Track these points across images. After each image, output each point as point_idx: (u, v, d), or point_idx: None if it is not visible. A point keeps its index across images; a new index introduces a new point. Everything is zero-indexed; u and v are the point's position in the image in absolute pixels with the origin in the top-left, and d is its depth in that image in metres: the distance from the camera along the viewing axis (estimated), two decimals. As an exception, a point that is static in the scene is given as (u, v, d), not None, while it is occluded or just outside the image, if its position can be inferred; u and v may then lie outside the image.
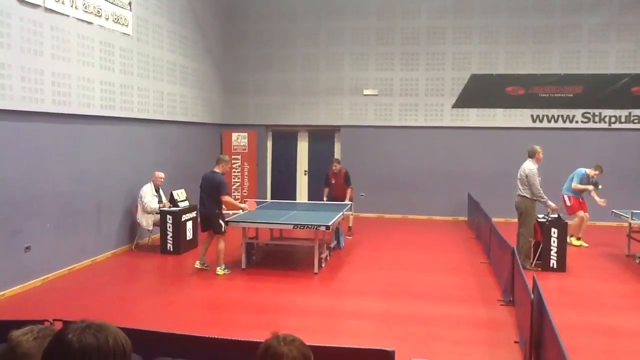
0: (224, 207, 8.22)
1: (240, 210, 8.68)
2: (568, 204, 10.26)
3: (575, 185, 10.19)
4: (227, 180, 8.42)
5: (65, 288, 7.28)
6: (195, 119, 12.34)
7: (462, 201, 12.90)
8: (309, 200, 13.52)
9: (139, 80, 9.77)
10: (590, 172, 10.20)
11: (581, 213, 10.18)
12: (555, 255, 8.32)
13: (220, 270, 7.97)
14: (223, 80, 13.91)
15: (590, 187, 10.16)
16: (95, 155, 8.55)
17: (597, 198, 10.18)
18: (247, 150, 13.84)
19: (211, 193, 8.02)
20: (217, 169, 8.14)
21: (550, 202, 8.48)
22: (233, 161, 13.73)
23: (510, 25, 12.95)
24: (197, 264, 8.25)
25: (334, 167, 10.91)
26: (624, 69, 12.54)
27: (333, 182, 10.94)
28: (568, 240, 10.11)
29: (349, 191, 10.87)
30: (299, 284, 7.62)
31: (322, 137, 14.23)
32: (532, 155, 8.60)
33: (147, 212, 9.36)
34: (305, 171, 14.38)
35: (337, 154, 14.00)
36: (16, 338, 1.89)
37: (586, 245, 10.15)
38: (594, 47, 12.65)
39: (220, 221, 8.05)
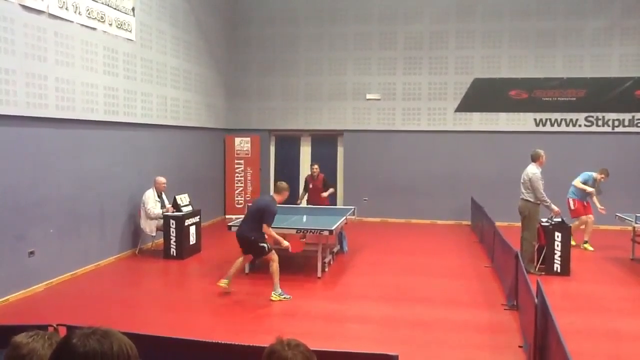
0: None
1: (279, 245, 7.49)
2: (572, 207, 10.27)
3: (576, 182, 10.20)
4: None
5: (69, 293, 7.29)
6: (199, 124, 12.36)
7: (466, 205, 12.87)
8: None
9: (143, 86, 9.80)
10: (596, 175, 10.20)
11: (584, 217, 10.19)
12: (559, 259, 8.28)
13: (275, 296, 6.98)
14: (226, 85, 13.94)
15: (589, 189, 10.13)
16: (98, 160, 8.57)
17: (598, 205, 10.19)
18: (250, 155, 13.86)
19: (255, 216, 7.19)
20: (275, 196, 7.42)
21: (553, 206, 8.45)
22: (236, 166, 13.76)
23: (513, 29, 12.95)
24: (223, 283, 7.17)
25: (313, 170, 10.74)
26: (627, 73, 12.52)
27: (311, 186, 10.77)
28: (583, 246, 10.14)
29: (326, 193, 10.54)
30: (302, 289, 7.60)
31: (324, 141, 14.24)
32: (535, 159, 8.57)
33: (150, 218, 9.35)
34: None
35: (339, 159, 14.01)
36: (20, 340, 1.92)
37: (591, 249, 10.11)
38: (596, 50, 12.64)
39: (261, 244, 7.17)
